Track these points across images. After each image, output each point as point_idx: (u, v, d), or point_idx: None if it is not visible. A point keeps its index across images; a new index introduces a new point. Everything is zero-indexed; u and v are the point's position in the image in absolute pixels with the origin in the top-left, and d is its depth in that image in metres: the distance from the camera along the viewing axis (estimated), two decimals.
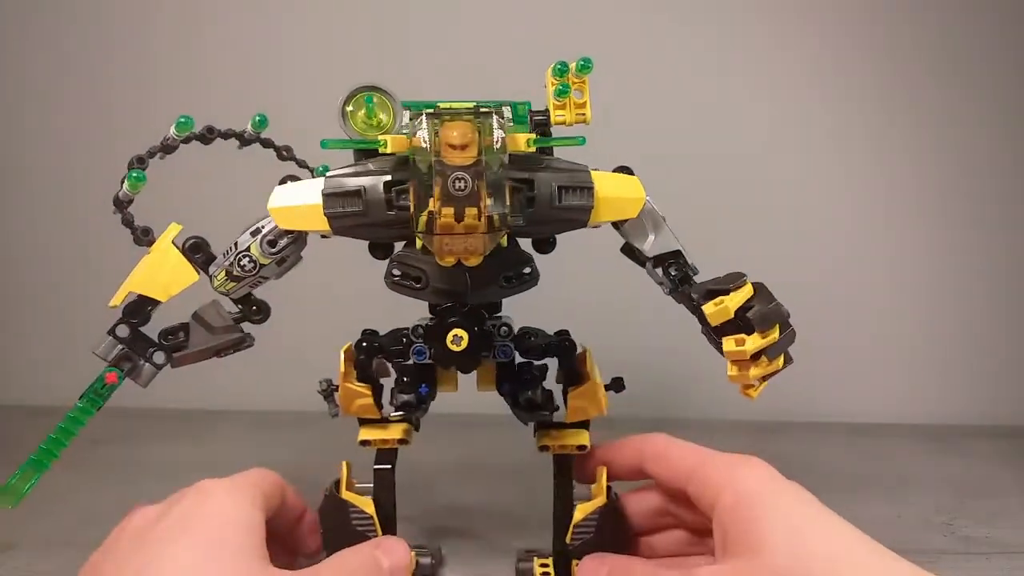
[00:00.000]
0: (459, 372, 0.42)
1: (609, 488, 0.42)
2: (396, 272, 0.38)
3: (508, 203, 0.34)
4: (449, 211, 0.32)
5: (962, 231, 0.76)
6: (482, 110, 0.34)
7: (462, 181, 0.32)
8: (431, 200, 0.32)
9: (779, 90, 0.75)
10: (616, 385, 0.43)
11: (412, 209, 0.34)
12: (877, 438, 0.72)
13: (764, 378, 0.39)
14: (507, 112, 0.38)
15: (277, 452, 0.67)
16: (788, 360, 0.39)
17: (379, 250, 0.39)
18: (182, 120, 0.41)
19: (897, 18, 0.74)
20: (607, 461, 0.42)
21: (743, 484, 0.35)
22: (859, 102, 0.75)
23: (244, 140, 0.44)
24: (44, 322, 0.83)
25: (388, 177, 0.36)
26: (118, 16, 0.77)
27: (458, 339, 0.37)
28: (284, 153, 0.47)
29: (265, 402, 0.79)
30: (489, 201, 0.33)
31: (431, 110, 0.34)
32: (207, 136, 0.43)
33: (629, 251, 0.41)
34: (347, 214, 0.36)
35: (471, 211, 0.32)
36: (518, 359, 0.42)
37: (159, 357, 0.43)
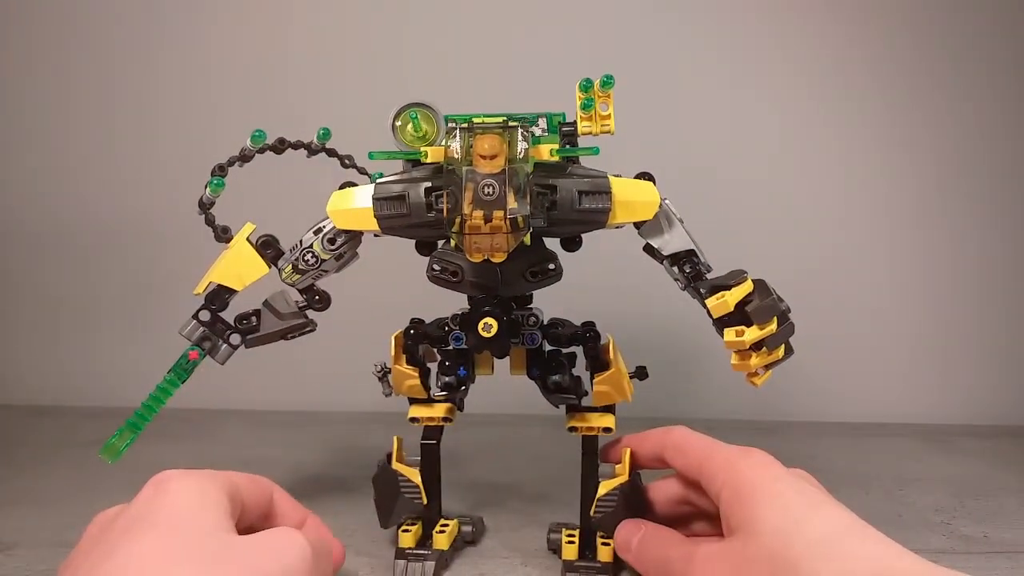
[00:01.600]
0: (493, 357, 0.46)
1: (632, 468, 0.45)
2: (436, 267, 0.43)
3: (530, 206, 0.38)
4: (479, 213, 0.36)
5: (962, 231, 0.77)
6: (510, 124, 0.38)
7: (491, 187, 0.36)
8: (464, 203, 0.37)
9: (778, 93, 0.75)
10: (640, 373, 0.47)
11: (446, 212, 0.39)
12: (877, 438, 0.72)
13: (767, 367, 0.43)
14: (542, 123, 0.43)
15: (277, 452, 0.67)
16: (789, 351, 0.43)
17: (425, 248, 0.44)
18: (256, 133, 0.46)
19: (896, 19, 0.74)
20: (632, 450, 0.46)
21: (743, 474, 0.38)
22: (858, 103, 0.75)
23: (311, 150, 0.49)
24: (44, 322, 0.83)
25: (428, 184, 0.40)
26: (122, 19, 0.77)
27: (488, 326, 0.41)
28: (347, 162, 0.51)
29: (265, 402, 0.79)
30: (515, 204, 0.37)
31: (465, 124, 0.38)
32: (279, 147, 0.48)
33: (649, 250, 0.45)
34: (393, 216, 0.41)
35: (498, 213, 0.36)
36: (547, 347, 0.46)
37: (235, 338, 0.48)
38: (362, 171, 0.52)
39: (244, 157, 0.47)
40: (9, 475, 0.62)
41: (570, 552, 0.44)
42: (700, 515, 0.44)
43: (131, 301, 0.81)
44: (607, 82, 0.41)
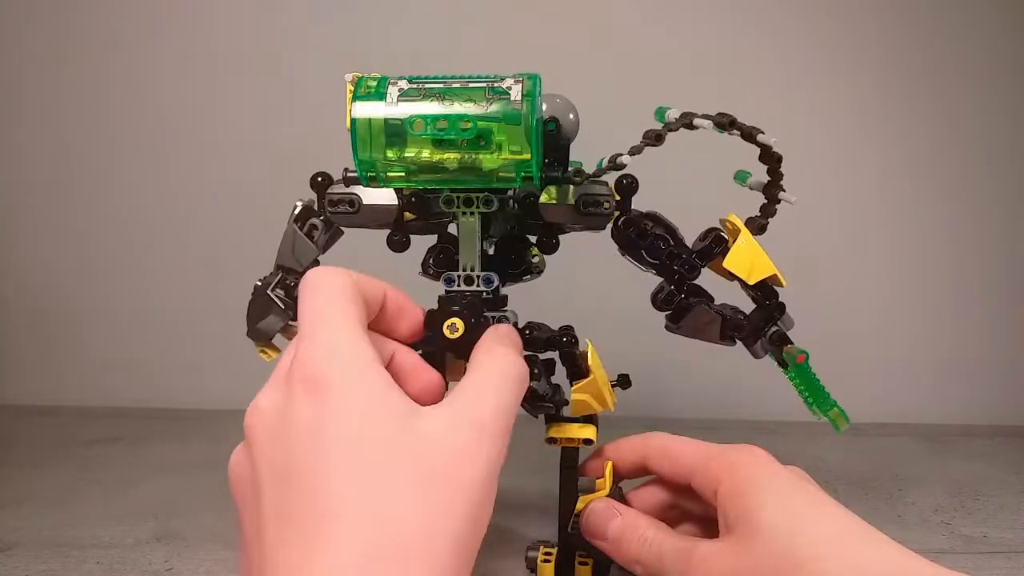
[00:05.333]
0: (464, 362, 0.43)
1: (614, 482, 0.43)
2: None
3: None
4: None
5: (962, 231, 0.77)
6: None
7: None
8: None
9: (777, 88, 0.75)
10: (623, 382, 0.45)
11: None
12: (877, 438, 0.72)
13: None
14: None
15: None
16: None
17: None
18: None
19: (895, 14, 0.74)
20: (611, 460, 0.44)
21: (741, 471, 0.37)
22: (856, 101, 0.75)
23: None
24: (43, 322, 0.82)
25: None
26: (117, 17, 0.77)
27: (453, 327, 0.38)
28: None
29: None
30: None
31: None
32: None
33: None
34: None
35: None
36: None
37: None
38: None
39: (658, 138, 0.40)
40: (9, 475, 0.62)
41: (546, 572, 0.42)
42: (687, 518, 0.43)
43: (131, 300, 0.81)
44: None
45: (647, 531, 0.39)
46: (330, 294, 0.31)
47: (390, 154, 0.37)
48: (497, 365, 0.33)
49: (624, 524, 0.39)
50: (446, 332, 0.38)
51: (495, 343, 0.35)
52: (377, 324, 0.35)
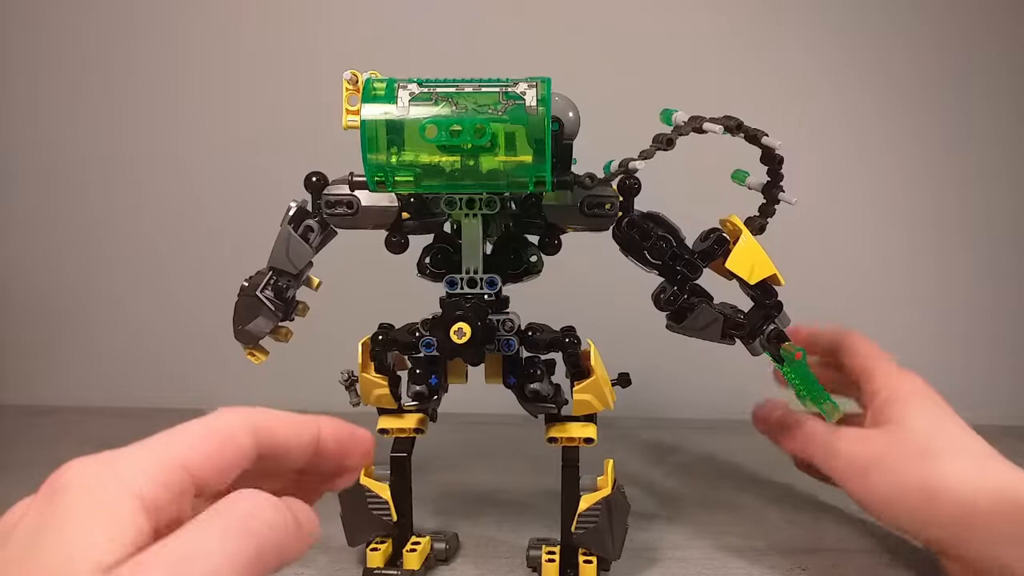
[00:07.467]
0: (467, 364, 0.43)
1: (615, 481, 0.43)
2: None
3: None
4: None
5: (962, 231, 0.76)
6: None
7: None
8: None
9: (792, 89, 0.75)
10: (623, 380, 0.45)
11: None
12: None
13: None
14: None
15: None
16: None
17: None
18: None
19: (909, 16, 0.73)
20: (811, 340, 0.53)
21: (898, 386, 0.46)
22: (874, 103, 0.74)
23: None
24: (43, 322, 0.82)
25: None
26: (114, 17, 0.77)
27: (461, 332, 0.38)
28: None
29: (265, 402, 0.79)
30: None
31: None
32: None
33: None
34: None
35: None
36: (524, 353, 0.43)
37: None
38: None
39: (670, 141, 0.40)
40: (9, 475, 0.62)
41: (550, 571, 0.42)
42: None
43: (131, 300, 0.81)
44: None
45: (797, 416, 0.49)
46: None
47: (396, 159, 0.36)
48: (223, 515, 0.24)
49: (784, 414, 0.50)
50: (453, 337, 0.38)
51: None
52: (316, 469, 0.30)
